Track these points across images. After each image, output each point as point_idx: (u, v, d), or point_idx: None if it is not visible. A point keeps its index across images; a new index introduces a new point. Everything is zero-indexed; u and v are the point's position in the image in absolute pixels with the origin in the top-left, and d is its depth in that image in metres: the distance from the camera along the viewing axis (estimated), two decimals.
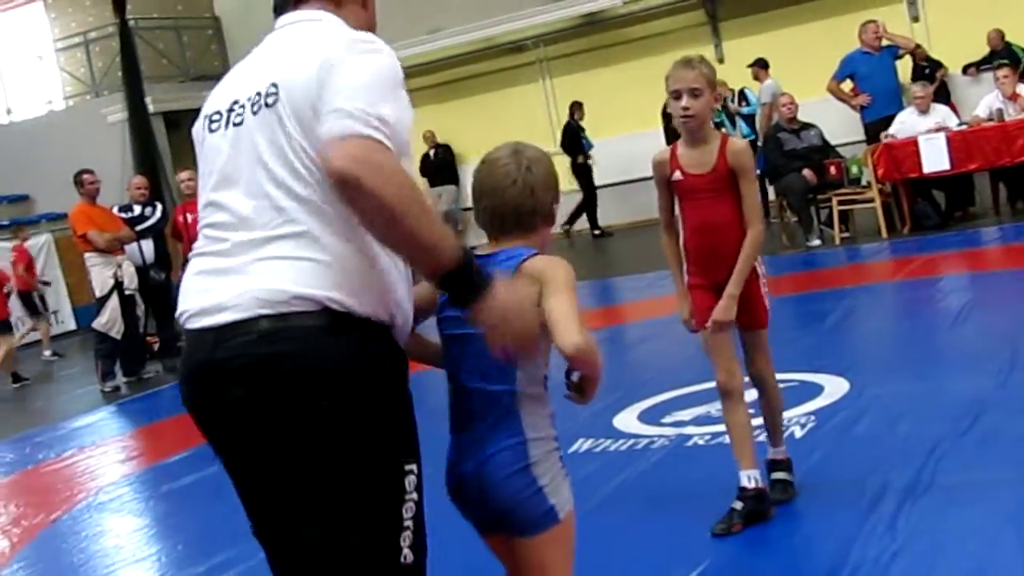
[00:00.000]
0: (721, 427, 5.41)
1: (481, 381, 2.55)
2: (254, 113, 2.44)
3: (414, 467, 2.41)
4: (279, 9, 2.64)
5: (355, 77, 2.32)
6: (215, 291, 2.40)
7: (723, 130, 15.42)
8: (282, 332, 2.32)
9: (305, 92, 2.34)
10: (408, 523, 2.37)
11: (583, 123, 17.12)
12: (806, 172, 11.85)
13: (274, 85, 2.41)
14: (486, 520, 2.61)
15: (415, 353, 2.64)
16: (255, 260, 2.36)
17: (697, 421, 5.55)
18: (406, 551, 2.36)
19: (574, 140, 16.99)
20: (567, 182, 15.86)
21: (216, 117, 2.57)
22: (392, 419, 2.39)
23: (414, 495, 2.39)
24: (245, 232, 2.39)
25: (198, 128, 2.64)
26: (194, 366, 2.47)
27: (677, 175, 4.20)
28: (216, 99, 2.61)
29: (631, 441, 5.47)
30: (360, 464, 2.32)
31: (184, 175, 12.20)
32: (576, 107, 17.18)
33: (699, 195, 4.18)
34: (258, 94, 2.44)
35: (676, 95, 4.07)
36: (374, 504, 2.34)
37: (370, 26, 2.62)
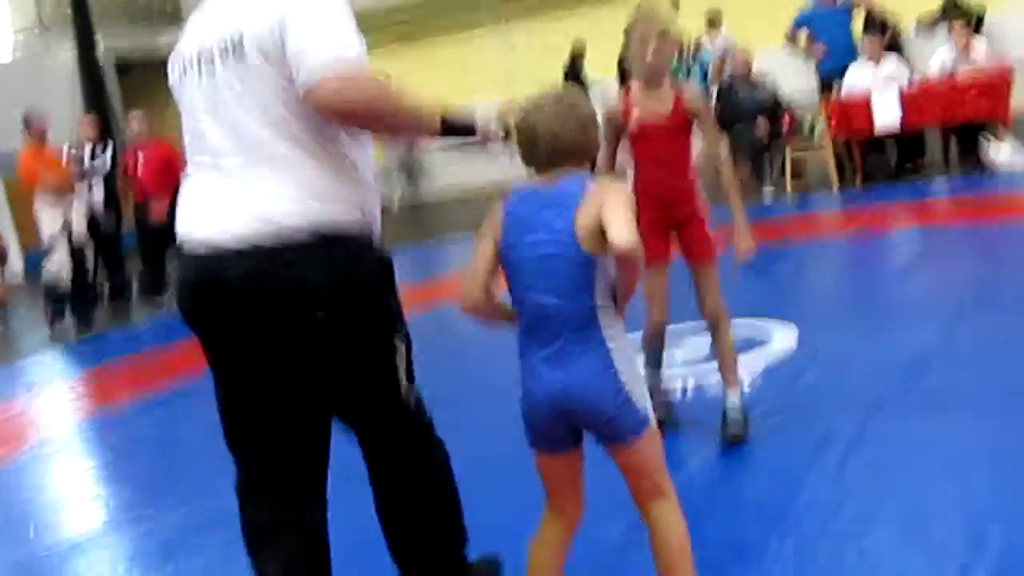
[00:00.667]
0: (670, 372, 5.49)
1: (559, 299, 2.73)
2: (223, 59, 2.76)
3: (400, 336, 3.01)
4: None
5: (320, 16, 2.68)
6: (213, 215, 2.78)
7: (678, 78, 15.47)
8: (276, 253, 2.70)
9: (270, 34, 2.68)
10: (401, 366, 3.01)
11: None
12: (759, 122, 11.88)
13: (239, 31, 2.74)
14: (573, 432, 2.85)
15: (492, 316, 2.91)
16: (246, 186, 2.74)
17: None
18: (403, 383, 3.03)
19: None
20: None
21: (190, 62, 2.87)
22: (378, 313, 2.93)
23: (402, 351, 3.01)
24: (235, 158, 2.76)
25: (174, 73, 2.96)
26: (196, 284, 2.84)
27: (635, 118, 4.30)
28: (187, 45, 2.91)
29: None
30: (358, 348, 2.89)
31: (135, 114, 12.06)
32: (578, 51, 16.37)
33: (655, 136, 4.32)
34: (227, 40, 2.76)
35: (643, 40, 4.16)
36: (375, 365, 2.96)
37: None
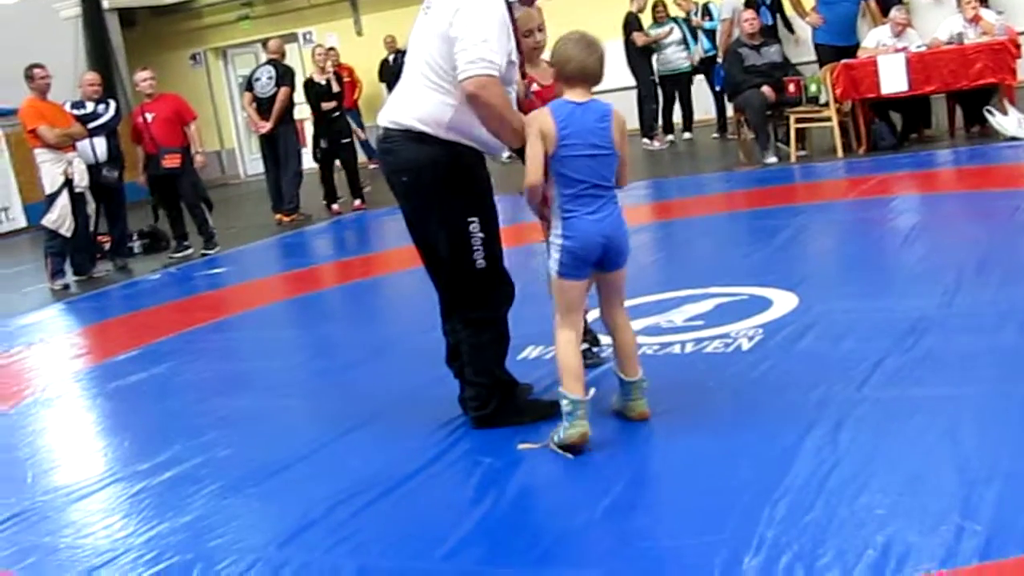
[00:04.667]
0: (670, 337, 5.49)
1: (604, 180, 4.15)
2: (424, 14, 4.33)
3: (476, 219, 4.32)
4: None
5: (478, 25, 4.07)
6: (386, 107, 4.48)
7: (688, 44, 15.37)
8: (390, 136, 4.38)
9: (444, 19, 4.15)
10: (478, 247, 4.32)
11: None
12: (765, 88, 11.82)
13: (430, 3, 4.30)
14: (612, 262, 4.22)
15: (541, 191, 4.22)
16: (398, 95, 4.44)
17: (647, 331, 5.59)
18: (479, 260, 4.34)
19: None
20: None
21: (424, 6, 4.38)
22: (447, 191, 4.30)
23: (480, 234, 4.32)
24: (401, 81, 4.46)
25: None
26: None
27: (535, 87, 5.00)
28: None
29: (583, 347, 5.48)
30: (433, 214, 4.38)
31: (143, 75, 12.02)
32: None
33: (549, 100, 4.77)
34: (426, 4, 4.34)
35: (528, 33, 4.82)
36: (451, 235, 4.34)
37: None
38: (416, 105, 4.29)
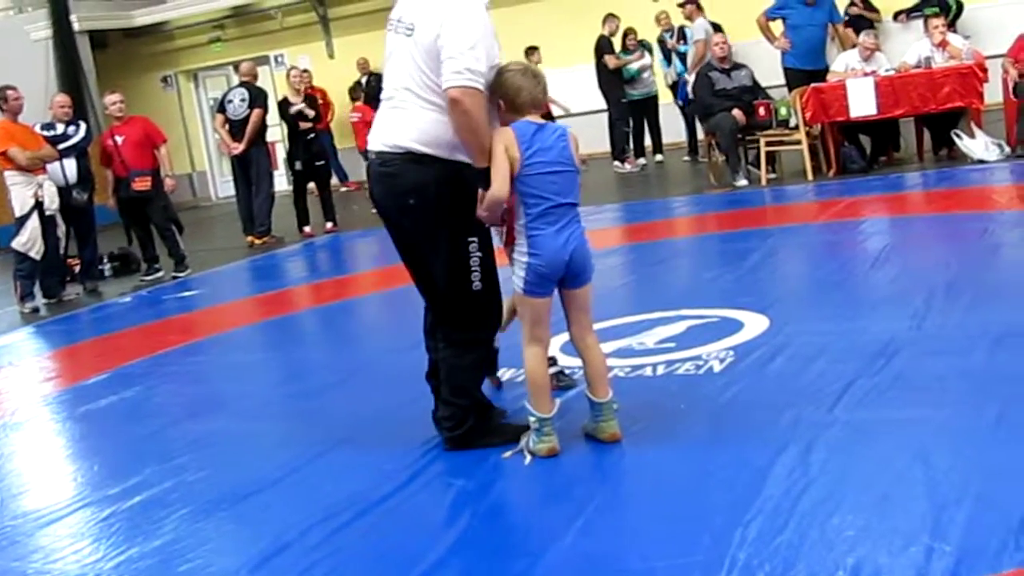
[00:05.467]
0: (642, 359, 5.50)
1: (568, 197, 4.26)
2: (402, 34, 4.37)
3: (475, 240, 4.37)
4: None
5: (464, 34, 4.16)
6: (375, 131, 4.50)
7: (659, 66, 15.45)
8: (390, 160, 4.39)
9: (431, 34, 4.23)
10: (475, 268, 4.38)
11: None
12: (736, 112, 11.90)
13: (412, 24, 4.32)
14: (576, 279, 4.30)
15: (506, 204, 4.28)
16: (390, 118, 4.42)
17: (618, 353, 5.60)
18: (476, 282, 4.40)
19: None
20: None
21: (390, 23, 4.47)
22: (451, 210, 4.32)
23: (478, 254, 4.38)
24: (388, 103, 4.45)
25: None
26: (368, 170, 4.59)
27: None
28: (394, 11, 4.47)
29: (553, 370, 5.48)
30: (438, 234, 4.38)
31: (112, 98, 11.99)
32: (608, 19, 15.45)
33: None
34: (405, 25, 4.36)
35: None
36: (452, 256, 4.37)
37: None
38: (413, 127, 4.33)
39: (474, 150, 4.22)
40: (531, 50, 14.65)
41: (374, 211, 4.78)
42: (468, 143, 4.22)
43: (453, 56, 4.14)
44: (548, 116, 4.35)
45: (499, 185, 4.17)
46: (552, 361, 5.11)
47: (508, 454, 4.40)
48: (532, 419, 4.32)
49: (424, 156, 4.30)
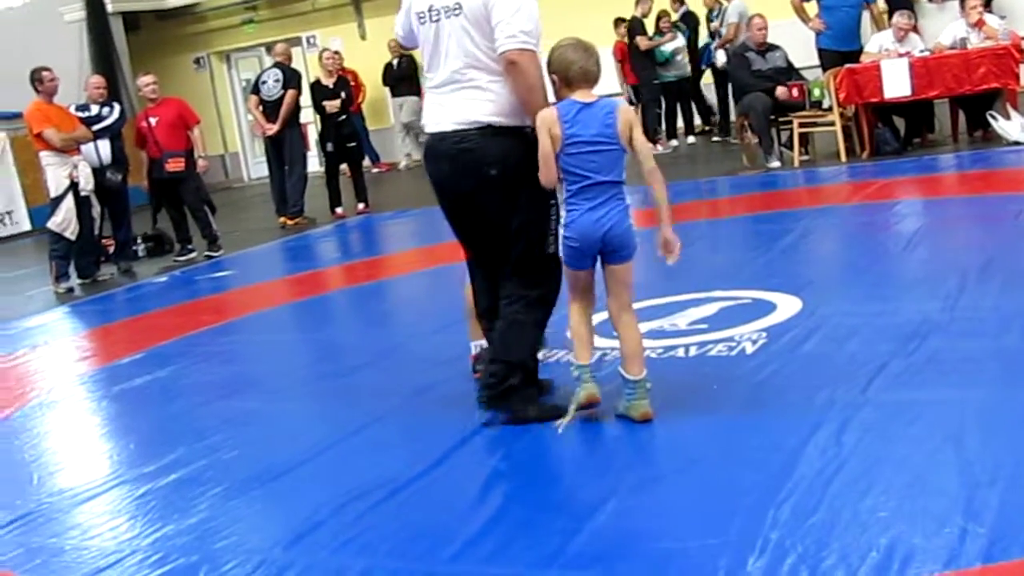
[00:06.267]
0: (674, 340, 5.50)
1: (608, 175, 4.35)
2: (447, 18, 4.50)
3: (554, 202, 4.51)
4: None
5: (515, 6, 4.35)
6: (439, 115, 4.61)
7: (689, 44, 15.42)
8: (467, 137, 4.50)
9: (480, 12, 4.40)
10: (552, 232, 4.53)
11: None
12: (780, 90, 11.82)
13: (457, 3, 4.47)
14: (614, 255, 4.41)
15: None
16: (459, 98, 4.54)
17: (650, 335, 5.59)
18: (552, 246, 4.54)
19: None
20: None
21: (421, 15, 4.62)
22: (533, 174, 4.39)
23: (554, 217, 4.52)
24: (450, 87, 4.56)
25: (412, 20, 4.70)
26: (431, 153, 4.70)
27: None
28: (420, 2, 4.62)
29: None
30: (520, 195, 4.51)
31: (145, 79, 12.06)
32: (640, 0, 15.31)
33: None
34: (447, 7, 4.50)
35: None
36: (533, 220, 4.54)
37: None
38: (487, 101, 4.48)
39: (534, 106, 4.38)
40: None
41: (431, 190, 4.78)
42: (527, 102, 4.39)
43: (502, 20, 4.33)
44: None
45: (545, 173, 4.37)
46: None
47: (560, 424, 4.46)
48: (572, 368, 4.54)
49: (502, 128, 4.47)
